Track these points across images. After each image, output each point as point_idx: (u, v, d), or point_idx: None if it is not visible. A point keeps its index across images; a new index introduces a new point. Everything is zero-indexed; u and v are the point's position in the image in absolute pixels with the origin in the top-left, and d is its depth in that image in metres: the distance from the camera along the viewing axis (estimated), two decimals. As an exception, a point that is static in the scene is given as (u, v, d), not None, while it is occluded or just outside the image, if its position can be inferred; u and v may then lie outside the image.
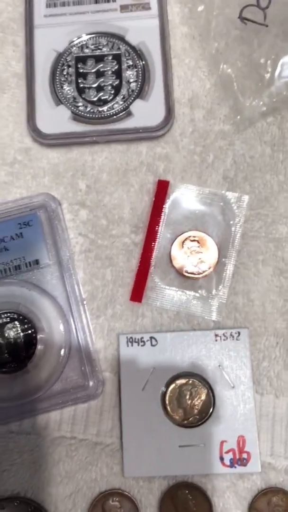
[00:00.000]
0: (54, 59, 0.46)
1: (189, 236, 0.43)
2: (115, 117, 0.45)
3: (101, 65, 0.46)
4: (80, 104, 0.45)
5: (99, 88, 0.45)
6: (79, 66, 0.46)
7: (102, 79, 0.46)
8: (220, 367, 0.41)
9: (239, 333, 0.42)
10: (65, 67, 0.46)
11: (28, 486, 0.40)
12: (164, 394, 0.41)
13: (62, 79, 0.46)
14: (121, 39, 0.46)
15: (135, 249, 0.44)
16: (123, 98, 0.45)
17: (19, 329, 0.42)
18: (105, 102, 0.45)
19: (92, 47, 0.46)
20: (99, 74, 0.46)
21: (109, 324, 0.43)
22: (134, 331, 0.42)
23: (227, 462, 0.40)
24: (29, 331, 0.42)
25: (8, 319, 0.42)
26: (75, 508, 0.40)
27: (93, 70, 0.46)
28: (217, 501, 0.40)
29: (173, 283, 0.43)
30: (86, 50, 0.46)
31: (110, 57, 0.46)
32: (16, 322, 0.42)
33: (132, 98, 0.45)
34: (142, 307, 0.43)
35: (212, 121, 0.45)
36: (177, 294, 0.43)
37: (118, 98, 0.45)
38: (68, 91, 0.45)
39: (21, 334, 0.42)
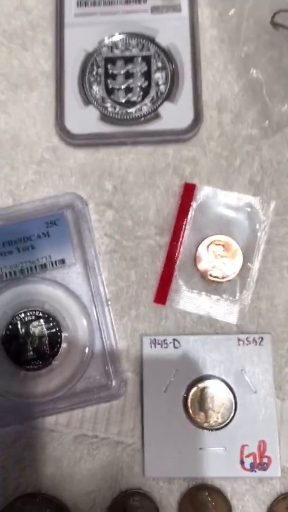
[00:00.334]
0: (83, 59, 0.46)
1: (214, 240, 0.43)
2: (143, 119, 0.45)
3: (131, 66, 0.46)
4: (108, 105, 0.45)
5: (128, 90, 0.46)
6: (108, 66, 0.46)
7: (131, 81, 0.46)
8: (242, 371, 0.42)
9: (262, 338, 0.42)
10: (95, 67, 0.46)
11: (50, 483, 0.41)
12: (185, 397, 0.41)
13: (91, 79, 0.46)
14: (151, 40, 0.46)
15: (160, 251, 0.44)
16: (152, 100, 0.45)
17: (44, 327, 0.42)
18: (133, 103, 0.45)
19: (122, 48, 0.46)
20: (128, 75, 0.46)
21: (132, 325, 0.43)
22: (157, 333, 0.43)
23: (248, 466, 0.40)
24: (54, 329, 0.42)
25: (33, 317, 0.42)
26: (95, 507, 0.41)
27: (122, 71, 0.46)
28: (236, 504, 0.40)
29: (197, 287, 0.43)
30: (116, 51, 0.46)
31: (139, 59, 0.46)
32: (41, 320, 0.42)
33: (161, 100, 0.45)
34: (165, 309, 0.43)
35: (239, 125, 0.46)
36: (200, 298, 0.43)
37: (147, 100, 0.45)
38: (97, 92, 0.46)
39: (46, 332, 0.42)
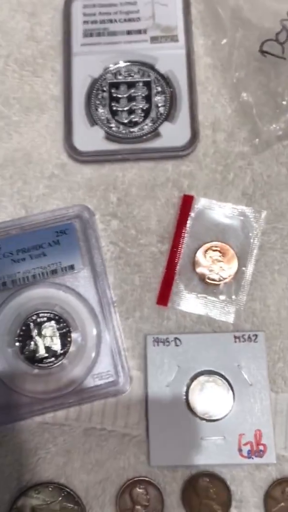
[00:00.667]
0: (89, 84, 0.50)
1: (212, 246, 0.47)
2: (144, 137, 0.49)
3: (133, 90, 0.50)
4: (113, 125, 0.49)
5: (131, 111, 0.50)
6: (112, 91, 0.50)
7: (133, 103, 0.50)
8: (238, 366, 0.45)
9: (256, 335, 0.45)
10: (100, 92, 0.50)
11: (62, 472, 0.44)
12: (187, 390, 0.44)
13: (97, 102, 0.50)
14: (151, 67, 0.51)
15: (161, 257, 0.48)
16: (152, 120, 0.50)
17: (55, 328, 0.45)
18: (135, 123, 0.49)
19: (125, 74, 0.51)
20: (130, 98, 0.50)
21: (137, 326, 0.46)
22: (160, 332, 0.46)
23: (245, 454, 0.43)
24: (64, 330, 0.45)
25: (45, 319, 0.45)
26: (104, 494, 0.43)
27: (125, 95, 0.50)
28: (235, 489, 0.43)
29: (196, 289, 0.47)
30: (119, 77, 0.51)
31: (141, 84, 0.50)
32: (52, 322, 0.45)
33: (161, 121, 0.49)
34: (167, 310, 0.47)
35: (232, 143, 0.50)
36: (199, 299, 0.46)
37: (148, 121, 0.50)
38: (102, 113, 0.50)
39: (57, 332, 0.45)
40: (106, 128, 0.49)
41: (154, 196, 0.49)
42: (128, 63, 0.51)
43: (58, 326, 0.45)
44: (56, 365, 0.45)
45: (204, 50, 0.52)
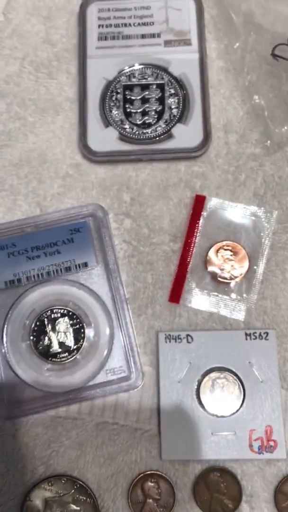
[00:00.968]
0: (104, 86, 0.51)
1: (223, 245, 0.48)
2: (157, 138, 0.50)
3: (146, 92, 0.51)
4: (126, 126, 0.51)
5: (144, 113, 0.51)
6: (126, 93, 0.51)
7: (147, 105, 0.51)
8: (249, 363, 0.45)
9: (267, 333, 0.46)
10: (114, 94, 0.51)
11: (74, 465, 0.44)
12: (198, 386, 0.45)
13: (111, 104, 0.51)
14: (165, 70, 0.52)
15: (174, 256, 0.48)
16: (165, 122, 0.51)
17: (68, 323, 0.46)
18: (149, 125, 0.50)
19: (139, 76, 0.52)
20: (144, 100, 0.51)
21: (149, 323, 0.47)
22: (171, 329, 0.47)
23: (256, 449, 0.44)
24: (78, 326, 0.46)
25: (59, 315, 0.46)
26: (116, 487, 0.44)
27: (139, 97, 0.51)
28: (246, 484, 0.44)
29: (207, 287, 0.47)
30: (133, 79, 0.52)
31: (154, 86, 0.51)
32: (66, 318, 0.46)
33: (174, 123, 0.50)
34: (179, 307, 0.47)
35: (244, 145, 0.51)
36: (211, 297, 0.47)
37: (161, 122, 0.51)
38: (116, 115, 0.51)
39: (71, 328, 0.46)
40: (120, 129, 0.50)
41: (167, 196, 0.50)
42: (142, 66, 0.52)
43: (71, 322, 0.46)
44: (69, 360, 0.45)
45: (216, 53, 0.53)
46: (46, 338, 0.46)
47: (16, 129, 0.52)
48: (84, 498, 0.43)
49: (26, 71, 0.53)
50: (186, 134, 0.50)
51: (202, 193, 0.50)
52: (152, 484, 0.44)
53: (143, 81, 0.52)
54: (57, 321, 0.46)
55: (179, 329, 0.47)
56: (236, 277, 0.47)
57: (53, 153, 0.51)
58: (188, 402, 0.45)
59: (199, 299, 0.47)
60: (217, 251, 0.48)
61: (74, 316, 0.46)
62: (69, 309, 0.46)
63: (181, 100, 0.51)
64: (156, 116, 0.51)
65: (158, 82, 0.52)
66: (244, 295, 0.47)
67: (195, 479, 0.44)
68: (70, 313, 0.46)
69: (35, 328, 0.46)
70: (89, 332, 0.46)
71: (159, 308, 0.47)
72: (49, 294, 0.47)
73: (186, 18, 0.53)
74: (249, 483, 0.44)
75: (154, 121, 0.51)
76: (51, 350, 0.46)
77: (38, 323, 0.46)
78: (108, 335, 0.46)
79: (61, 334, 0.46)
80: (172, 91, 0.51)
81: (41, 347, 0.46)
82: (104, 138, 0.50)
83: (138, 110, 0.51)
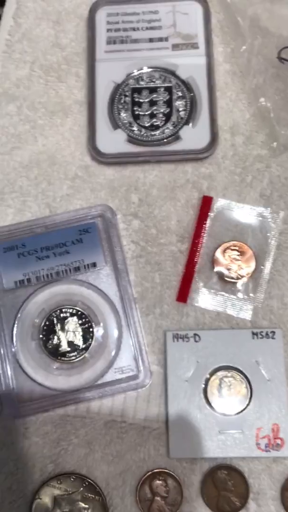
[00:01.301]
0: (112, 89, 0.52)
1: (230, 246, 0.48)
2: (165, 140, 0.51)
3: (154, 95, 0.52)
4: (135, 128, 0.51)
5: (152, 115, 0.52)
6: (135, 96, 0.52)
7: (155, 108, 0.52)
8: (256, 362, 0.46)
9: (274, 332, 0.46)
10: (122, 97, 0.52)
11: (83, 464, 0.45)
12: (206, 385, 0.45)
13: (120, 107, 0.52)
14: (172, 73, 0.52)
15: (181, 256, 0.49)
16: (173, 124, 0.51)
17: (77, 323, 0.47)
18: (157, 127, 0.51)
19: (147, 79, 0.52)
20: (152, 103, 0.52)
21: (157, 322, 0.48)
22: (179, 328, 0.47)
23: (263, 447, 0.44)
24: (86, 325, 0.47)
25: (68, 314, 0.47)
26: (124, 485, 0.44)
27: (147, 100, 0.52)
28: (253, 482, 0.44)
29: (215, 287, 0.48)
30: (142, 82, 0.52)
31: (162, 89, 0.52)
32: (75, 317, 0.47)
33: (181, 125, 0.51)
34: (186, 307, 0.48)
35: (250, 146, 0.51)
36: (218, 297, 0.48)
37: (169, 124, 0.51)
38: (125, 117, 0.52)
39: (79, 327, 0.47)
40: (128, 131, 0.51)
41: (174, 197, 0.50)
42: (150, 69, 0.53)
43: (80, 321, 0.47)
44: (78, 359, 0.46)
45: (223, 57, 0.53)
46: (55, 337, 0.46)
47: (26, 131, 0.52)
48: (93, 496, 0.44)
49: (36, 75, 0.54)
50: (194, 136, 0.51)
51: (209, 194, 0.50)
52: (160, 482, 0.44)
53: (151, 84, 0.52)
54: (66, 321, 0.47)
55: (187, 328, 0.47)
56: (243, 276, 0.48)
57: (62, 155, 0.52)
58: (195, 400, 0.45)
59: (206, 299, 0.48)
60: (224, 251, 0.48)
61: (83, 316, 0.47)
62: (78, 308, 0.47)
63: (188, 102, 0.52)
64: (164, 119, 0.51)
65: (166, 85, 0.52)
66: (251, 294, 0.48)
67: (202, 477, 0.44)
68: (79, 313, 0.47)
69: (45, 328, 0.47)
70: (97, 332, 0.47)
71: (167, 308, 0.48)
72: (58, 293, 0.48)
73: (193, 22, 0.54)
74: (256, 481, 0.44)
75: (162, 123, 0.51)
76: (60, 349, 0.46)
77: (47, 323, 0.47)
78: (116, 334, 0.47)
79: (70, 333, 0.47)
80: (180, 93, 0.52)
81: (50, 346, 0.46)
82: (112, 140, 0.51)
83: (146, 113, 0.52)
